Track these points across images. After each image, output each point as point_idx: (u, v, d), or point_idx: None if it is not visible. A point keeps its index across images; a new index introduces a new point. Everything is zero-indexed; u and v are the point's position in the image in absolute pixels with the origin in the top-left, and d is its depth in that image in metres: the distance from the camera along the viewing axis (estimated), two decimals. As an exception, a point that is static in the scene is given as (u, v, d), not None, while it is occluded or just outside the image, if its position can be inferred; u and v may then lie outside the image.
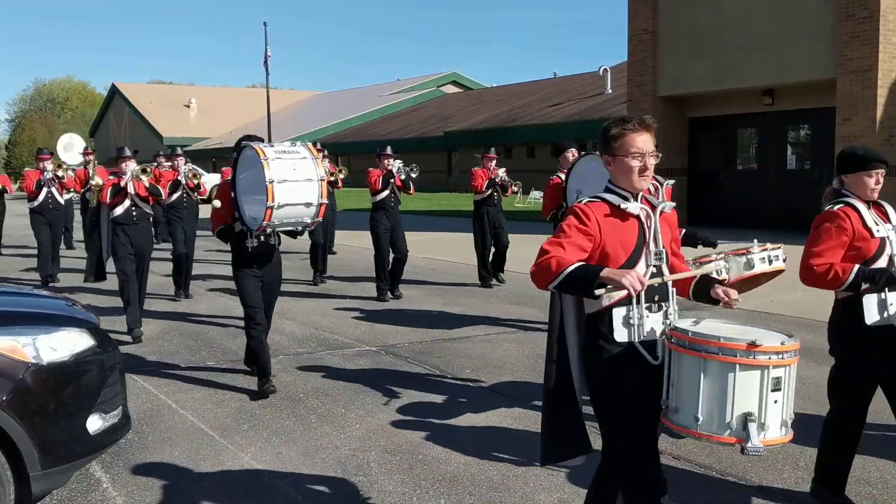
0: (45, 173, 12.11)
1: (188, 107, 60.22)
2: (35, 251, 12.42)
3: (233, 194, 5.96)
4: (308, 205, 5.79)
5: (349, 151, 43.17)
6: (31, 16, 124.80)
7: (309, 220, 5.93)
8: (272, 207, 5.60)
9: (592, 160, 6.53)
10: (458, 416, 5.46)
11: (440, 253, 14.50)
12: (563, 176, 7.49)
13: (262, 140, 5.99)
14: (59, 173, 12.45)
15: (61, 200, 12.44)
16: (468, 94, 52.67)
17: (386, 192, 10.02)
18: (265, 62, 35.61)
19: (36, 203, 12.08)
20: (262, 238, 5.96)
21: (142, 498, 4.28)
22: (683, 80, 18.13)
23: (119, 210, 8.00)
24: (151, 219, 8.88)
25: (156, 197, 8.40)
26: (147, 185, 8.14)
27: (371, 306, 9.63)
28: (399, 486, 4.35)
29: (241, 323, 8.47)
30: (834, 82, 15.29)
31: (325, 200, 5.89)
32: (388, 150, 10.38)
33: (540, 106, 38.43)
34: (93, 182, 13.46)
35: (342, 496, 4.26)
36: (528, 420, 5.36)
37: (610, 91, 34.30)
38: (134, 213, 8.07)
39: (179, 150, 11.35)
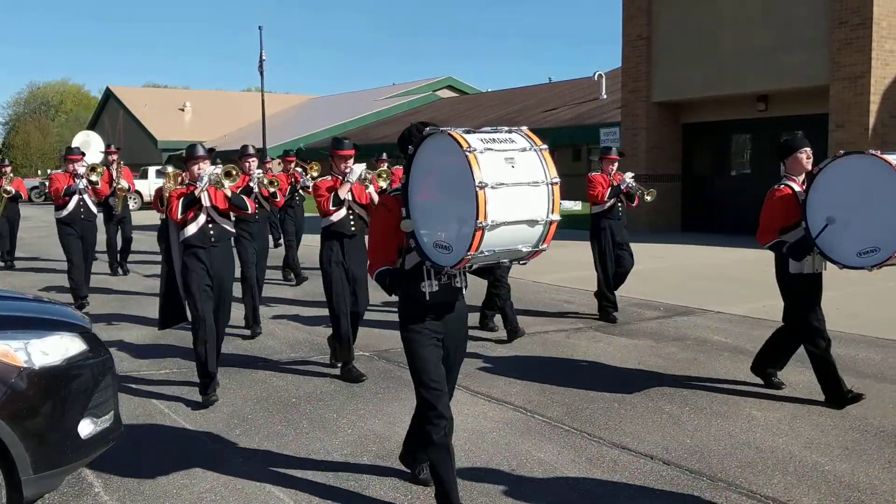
0: (77, 179, 10.18)
1: (183, 110, 60.12)
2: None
3: (403, 211, 3.78)
4: (533, 223, 3.60)
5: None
6: (25, 18, 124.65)
7: (528, 250, 3.64)
8: (483, 228, 3.42)
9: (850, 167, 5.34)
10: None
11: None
12: (794, 187, 5.87)
13: (436, 127, 3.71)
14: (93, 177, 10.47)
15: (94, 210, 10.54)
16: (464, 99, 52.72)
17: (342, 213, 6.70)
18: (260, 66, 35.59)
19: (65, 212, 10.16)
20: (447, 278, 3.88)
21: (133, 502, 4.28)
22: (678, 86, 18.19)
23: (191, 228, 6.08)
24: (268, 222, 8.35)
25: (240, 210, 6.41)
26: (229, 194, 6.26)
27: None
28: (391, 492, 4.36)
29: (234, 329, 8.51)
30: (827, 89, 15.36)
31: (558, 217, 3.65)
32: (346, 144, 6.77)
33: (535, 111, 38.48)
34: (118, 186, 12.43)
35: (334, 502, 4.27)
36: (519, 425, 5.37)
37: (605, 96, 34.35)
38: (211, 232, 6.14)
39: (251, 149, 9.12)
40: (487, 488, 4.38)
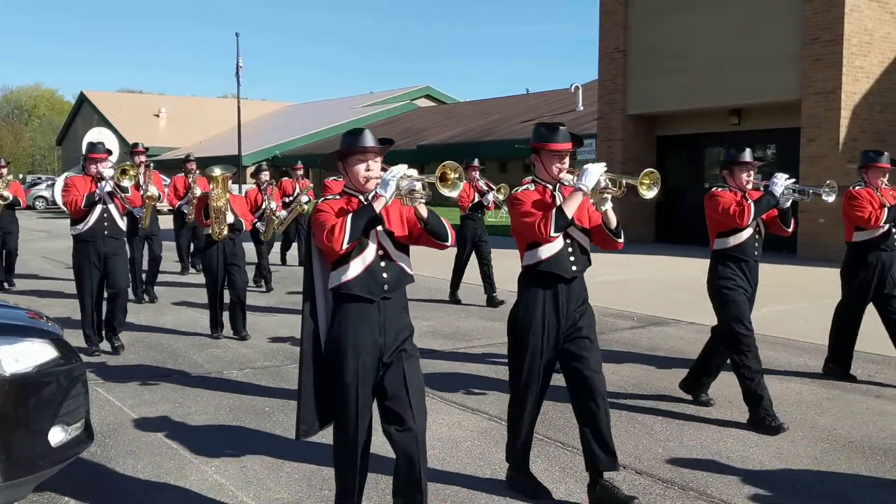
0: (102, 183, 7.59)
1: (158, 116, 59.76)
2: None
3: None
4: None
5: (302, 165, 43.04)
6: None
7: None
8: None
9: None
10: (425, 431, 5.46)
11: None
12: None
13: None
14: (125, 182, 7.61)
15: (122, 224, 7.90)
16: (441, 109, 52.86)
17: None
18: (237, 73, 35.48)
19: (83, 227, 7.64)
20: None
21: (103, 511, 4.23)
22: (653, 98, 18.39)
23: (356, 267, 3.76)
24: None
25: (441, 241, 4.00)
26: (424, 213, 4.40)
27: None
28: (364, 501, 4.35)
29: (207, 335, 8.47)
30: (799, 104, 15.61)
31: None
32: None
33: (513, 121, 38.67)
34: (146, 194, 9.83)
35: (306, 510, 4.25)
36: (493, 434, 5.39)
37: (581, 108, 34.61)
38: (385, 276, 3.87)
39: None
40: (461, 497, 4.39)
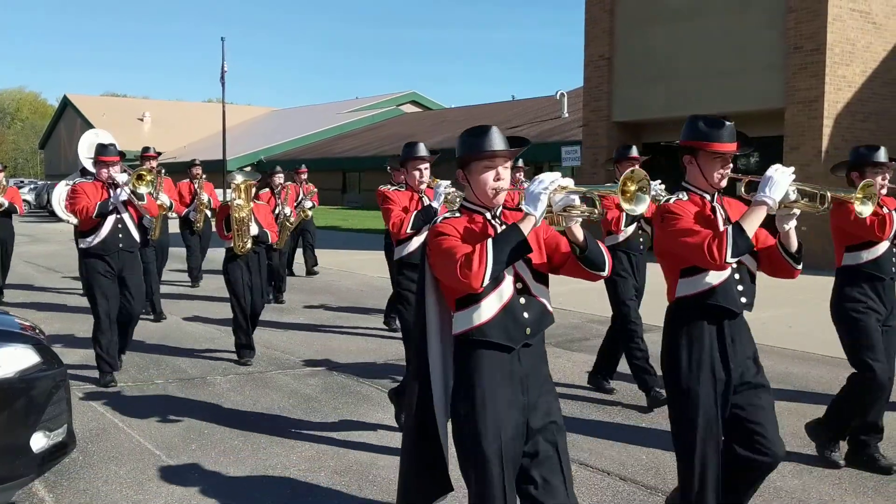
0: (116, 191, 6.78)
1: (142, 120, 59.49)
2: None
3: None
4: None
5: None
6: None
7: None
8: None
9: None
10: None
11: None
12: None
13: None
14: (142, 189, 6.82)
15: (137, 235, 7.00)
16: (428, 114, 52.92)
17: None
18: (222, 77, 35.38)
19: (95, 240, 6.75)
20: None
21: (85, 518, 4.20)
22: (638, 106, 18.48)
23: (490, 306, 3.43)
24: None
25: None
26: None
27: (323, 326, 9.59)
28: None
29: (192, 342, 8.43)
30: (782, 112, 15.74)
31: None
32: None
33: (499, 127, 38.69)
34: (158, 203, 8.49)
35: (291, 517, 4.23)
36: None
37: (567, 115, 34.75)
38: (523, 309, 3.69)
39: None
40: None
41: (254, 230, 7.43)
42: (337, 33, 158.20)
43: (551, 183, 2.79)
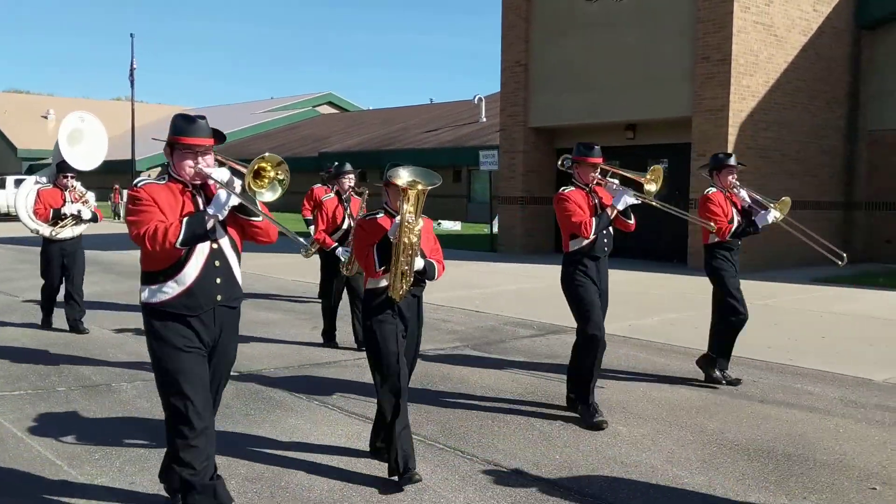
0: (221, 196, 3.91)
1: (46, 118, 57.25)
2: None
3: None
4: None
5: None
6: None
7: None
8: None
9: None
10: (322, 442, 5.39)
11: (313, 276, 14.33)
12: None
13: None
14: (266, 195, 3.83)
15: (239, 277, 4.14)
16: (344, 116, 52.61)
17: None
18: (131, 74, 34.38)
19: (175, 288, 3.94)
20: None
21: (-22, 534, 3.99)
22: (553, 112, 18.80)
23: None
24: None
25: None
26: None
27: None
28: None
29: (96, 347, 8.12)
30: (690, 120, 16.26)
31: None
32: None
33: (416, 131, 38.83)
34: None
35: (199, 526, 4.11)
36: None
37: (484, 119, 35.08)
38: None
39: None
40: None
41: (419, 264, 4.69)
42: (254, 35, 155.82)
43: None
